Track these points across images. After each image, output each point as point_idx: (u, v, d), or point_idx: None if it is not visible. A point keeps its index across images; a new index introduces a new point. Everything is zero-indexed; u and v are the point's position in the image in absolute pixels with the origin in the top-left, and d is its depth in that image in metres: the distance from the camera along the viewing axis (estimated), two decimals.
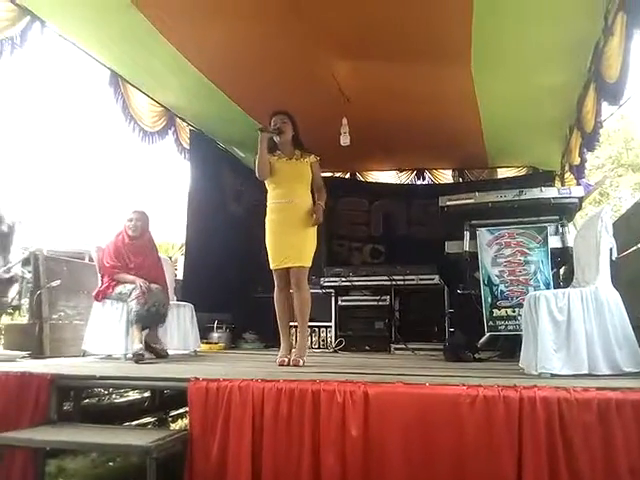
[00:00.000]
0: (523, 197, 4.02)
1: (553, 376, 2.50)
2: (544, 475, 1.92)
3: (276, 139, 3.58)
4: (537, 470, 1.93)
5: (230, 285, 5.73)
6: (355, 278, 5.48)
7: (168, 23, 3.82)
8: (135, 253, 4.05)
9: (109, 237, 4.11)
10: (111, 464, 3.32)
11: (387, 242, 7.08)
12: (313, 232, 3.60)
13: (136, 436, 2.34)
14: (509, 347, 3.88)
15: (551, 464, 1.93)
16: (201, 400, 2.37)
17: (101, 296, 3.92)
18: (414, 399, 2.14)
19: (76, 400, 3.38)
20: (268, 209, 3.63)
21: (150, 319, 3.86)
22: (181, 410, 4.48)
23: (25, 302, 5.16)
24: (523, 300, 3.69)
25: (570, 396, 1.98)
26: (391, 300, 5.33)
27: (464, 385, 2.14)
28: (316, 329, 5.38)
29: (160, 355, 3.96)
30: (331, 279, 5.51)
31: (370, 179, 7.62)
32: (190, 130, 5.70)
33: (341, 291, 5.50)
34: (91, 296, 3.98)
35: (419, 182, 7.27)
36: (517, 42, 3.93)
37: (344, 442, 2.15)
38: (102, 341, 3.85)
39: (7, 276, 4.65)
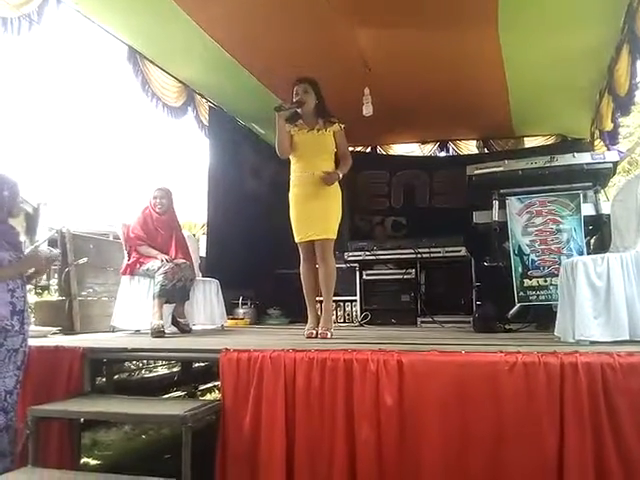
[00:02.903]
0: (555, 163, 3.88)
1: (592, 343, 2.42)
2: (587, 443, 1.87)
3: (299, 110, 3.50)
4: (580, 438, 1.88)
5: (253, 262, 5.71)
6: (380, 252, 5.41)
7: None
8: (163, 227, 4.06)
9: (135, 212, 4.11)
10: (144, 437, 3.37)
11: (408, 214, 6.97)
12: (337, 204, 3.54)
13: (170, 406, 2.35)
14: (540, 318, 3.80)
15: (595, 431, 1.87)
16: (233, 371, 2.36)
17: (129, 271, 3.94)
18: (450, 367, 2.09)
19: (108, 375, 3.44)
20: (291, 182, 3.58)
21: (176, 294, 3.87)
22: (210, 384, 4.53)
23: (53, 282, 5.24)
24: (555, 269, 3.63)
25: (614, 361, 1.92)
26: (417, 273, 5.26)
27: (501, 352, 2.08)
28: (341, 303, 5.35)
29: (184, 330, 3.97)
30: (355, 253, 5.46)
31: (391, 153, 7.50)
32: (209, 107, 5.64)
33: (365, 265, 5.45)
34: (118, 273, 4.00)
35: (442, 154, 7.12)
36: (546, 0, 3.76)
37: (378, 412, 2.12)
38: (131, 316, 3.88)
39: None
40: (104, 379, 3.31)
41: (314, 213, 3.45)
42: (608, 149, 5.37)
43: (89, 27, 4.05)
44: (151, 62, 4.66)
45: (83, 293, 4.02)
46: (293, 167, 3.57)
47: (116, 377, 3.85)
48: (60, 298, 3.97)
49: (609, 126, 5.05)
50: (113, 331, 3.93)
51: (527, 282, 3.81)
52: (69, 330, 3.77)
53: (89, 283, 4.11)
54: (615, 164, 3.93)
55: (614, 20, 3.90)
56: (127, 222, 4.11)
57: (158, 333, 3.54)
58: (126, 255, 4.02)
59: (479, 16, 3.95)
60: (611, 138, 5.24)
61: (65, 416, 2.41)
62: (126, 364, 4.08)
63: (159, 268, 3.81)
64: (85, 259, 4.04)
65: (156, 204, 4.08)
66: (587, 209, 3.77)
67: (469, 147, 7.15)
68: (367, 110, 4.67)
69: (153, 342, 3.19)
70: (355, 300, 5.38)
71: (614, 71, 4.39)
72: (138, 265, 3.93)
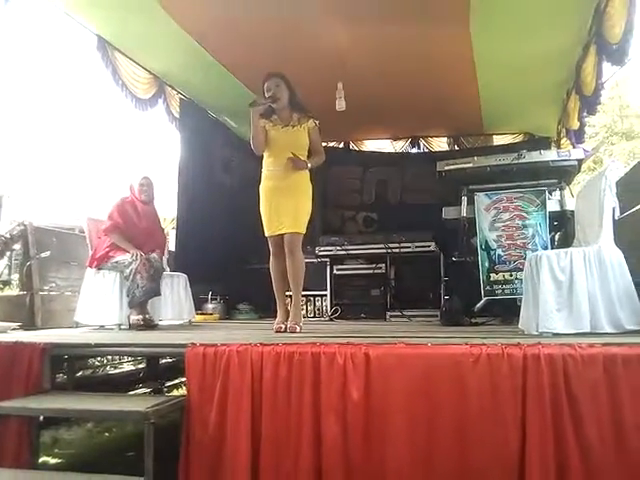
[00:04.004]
0: (522, 160, 3.96)
1: (555, 335, 2.47)
2: (548, 433, 1.90)
3: (274, 105, 3.46)
4: (541, 428, 1.90)
5: (223, 256, 5.66)
6: (350, 247, 5.43)
7: None
8: (145, 217, 4.00)
9: (113, 201, 4.02)
10: (107, 434, 3.29)
11: (380, 210, 7.01)
12: (307, 199, 3.53)
13: (133, 402, 2.30)
14: (505, 312, 3.87)
15: (556, 421, 1.90)
16: (199, 366, 2.31)
17: (96, 263, 3.84)
18: (416, 359, 2.10)
19: (70, 371, 3.34)
20: (263, 176, 3.54)
21: (151, 294, 3.82)
22: (176, 380, 4.46)
23: (15, 277, 5.07)
24: (521, 264, 3.69)
25: (575, 352, 1.95)
26: (386, 268, 5.30)
27: (467, 344, 2.10)
28: (311, 298, 5.35)
29: (150, 325, 3.90)
30: (326, 248, 5.47)
31: (364, 148, 7.51)
32: (180, 99, 5.55)
33: (336, 260, 5.46)
34: (83, 267, 3.90)
35: (414, 150, 7.17)
36: (517, 1, 3.81)
37: (345, 405, 2.11)
38: (95, 312, 3.79)
39: None
40: (66, 376, 3.22)
41: (284, 207, 3.43)
42: (574, 147, 5.49)
43: (57, 13, 3.93)
44: (121, 53, 4.55)
45: (45, 288, 3.90)
46: (265, 161, 3.54)
47: (79, 374, 3.75)
48: (21, 293, 3.84)
49: (575, 125, 5.16)
50: (76, 327, 3.83)
51: (493, 276, 3.87)
52: (30, 326, 3.65)
53: (52, 277, 3.99)
54: (580, 161, 4.02)
55: (582, 21, 3.98)
56: (92, 216, 4.00)
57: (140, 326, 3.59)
58: (91, 248, 3.91)
59: (451, 15, 3.98)
60: (577, 137, 5.35)
61: (23, 413, 2.33)
62: (90, 360, 3.98)
63: (129, 264, 3.73)
64: (48, 253, 3.92)
65: (142, 191, 4.01)
66: (552, 205, 3.86)
67: (440, 144, 7.22)
68: (340, 105, 4.66)
69: (117, 337, 3.12)
70: (325, 295, 5.39)
71: (581, 71, 4.48)
72: (107, 258, 3.83)
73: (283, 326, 3.37)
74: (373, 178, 7.17)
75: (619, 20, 3.35)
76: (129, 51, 4.60)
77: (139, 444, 2.06)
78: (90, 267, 3.87)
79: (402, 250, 5.28)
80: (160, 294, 3.96)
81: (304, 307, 5.16)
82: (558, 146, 6.15)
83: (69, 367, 3.27)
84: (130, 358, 4.40)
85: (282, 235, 3.45)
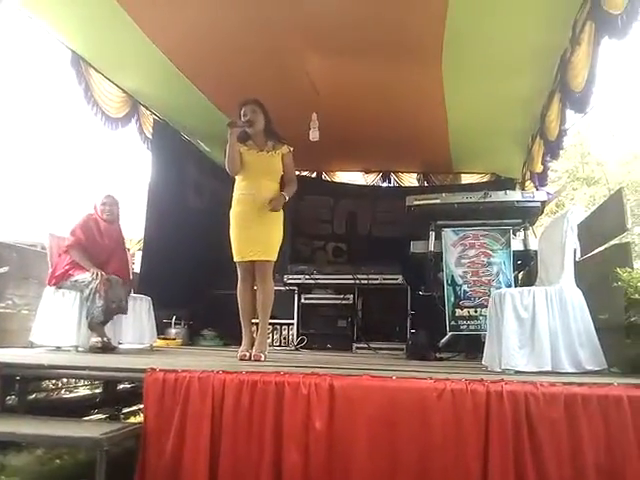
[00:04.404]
0: (488, 199, 4.08)
1: (517, 372, 2.51)
2: (510, 469, 1.91)
3: (249, 130, 3.49)
4: (503, 464, 1.92)
5: (189, 281, 5.56)
6: (319, 276, 5.43)
7: (136, 4, 3.68)
8: (108, 236, 3.92)
9: (77, 218, 3.93)
10: (58, 461, 3.12)
11: (350, 241, 7.07)
12: (279, 226, 3.52)
13: (86, 428, 2.20)
14: (470, 347, 3.91)
15: (517, 458, 1.92)
16: (157, 392, 2.25)
17: (54, 281, 3.73)
18: (380, 392, 2.09)
19: (21, 393, 3.17)
20: (234, 200, 3.53)
21: (110, 316, 3.72)
22: (135, 407, 4.30)
23: None
24: (485, 300, 3.76)
25: (537, 391, 1.98)
26: (354, 299, 5.32)
27: (431, 379, 2.12)
28: (278, 326, 5.31)
29: (108, 348, 3.78)
30: (294, 276, 5.45)
31: (336, 179, 7.61)
32: (154, 119, 5.52)
33: (304, 289, 5.45)
34: (42, 284, 3.77)
35: (384, 184, 7.30)
36: (487, 47, 3.97)
37: (307, 436, 2.08)
38: (51, 332, 3.66)
39: None
40: (17, 398, 3.06)
41: (255, 234, 3.41)
42: (537, 190, 5.69)
43: (32, 26, 3.88)
44: (95, 70, 4.52)
45: (1, 305, 3.74)
46: (237, 185, 3.53)
47: (32, 397, 3.57)
48: None
49: (539, 168, 5.36)
50: (31, 347, 3.68)
51: (459, 312, 3.93)
52: None
53: (9, 294, 3.84)
54: (543, 203, 4.17)
55: (548, 69, 4.17)
56: (55, 232, 3.90)
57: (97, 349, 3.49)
58: (51, 265, 3.80)
59: (426, 53, 4.12)
60: (540, 180, 5.55)
61: None
62: (44, 383, 3.81)
63: (89, 283, 3.64)
64: (6, 268, 3.77)
65: (104, 210, 3.93)
66: (516, 244, 3.97)
67: (410, 179, 7.36)
68: (314, 135, 4.72)
69: (73, 359, 3.01)
70: (292, 323, 5.35)
71: (545, 117, 4.67)
72: (66, 276, 3.73)
73: (247, 354, 3.31)
74: (344, 209, 7.24)
75: (582, 70, 3.52)
76: (103, 69, 4.58)
77: (91, 473, 1.97)
78: (49, 285, 3.75)
79: (370, 282, 5.31)
80: (125, 312, 3.87)
81: (270, 335, 5.10)
82: (523, 188, 6.36)
83: (21, 389, 3.11)
84: (86, 382, 4.23)
85: (252, 262, 3.43)
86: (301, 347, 5.20)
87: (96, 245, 3.86)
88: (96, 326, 3.66)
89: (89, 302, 3.64)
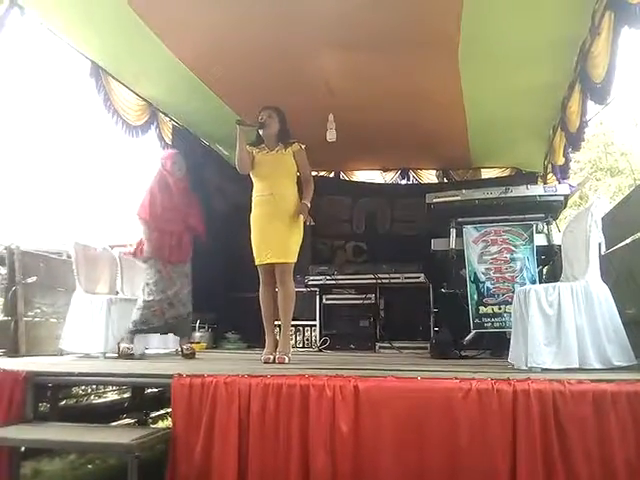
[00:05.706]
0: (509, 194, 4.03)
1: (544, 370, 2.48)
2: (538, 469, 1.89)
3: (260, 132, 3.52)
4: (531, 464, 1.89)
5: (213, 284, 5.61)
6: (340, 276, 5.43)
7: (153, 13, 3.72)
8: (183, 195, 4.01)
9: (142, 188, 4.03)
10: (90, 466, 3.20)
11: (369, 240, 7.03)
12: (298, 227, 3.53)
13: (117, 434, 2.24)
14: (494, 345, 3.87)
15: (545, 458, 1.90)
16: (185, 397, 2.28)
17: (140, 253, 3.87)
18: (406, 393, 2.09)
19: (53, 400, 3.26)
20: (253, 203, 3.57)
21: (156, 331, 3.83)
22: (162, 411, 4.37)
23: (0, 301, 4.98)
24: (509, 297, 3.72)
25: (564, 389, 1.96)
26: (376, 298, 5.30)
27: (456, 379, 2.10)
28: (300, 328, 5.32)
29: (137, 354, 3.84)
30: (316, 277, 5.46)
31: (354, 179, 7.59)
32: (173, 126, 5.59)
33: (326, 289, 5.46)
34: (69, 293, 3.86)
35: (403, 182, 7.26)
36: (505, 38, 3.91)
37: (334, 439, 2.09)
38: (80, 339, 3.73)
39: None
40: (48, 405, 3.14)
41: (274, 236, 3.44)
42: (559, 182, 5.59)
43: (52, 39, 3.96)
44: (114, 78, 4.60)
45: (30, 313, 3.83)
46: (255, 187, 3.57)
47: (62, 403, 3.66)
48: (5, 318, 3.77)
49: (561, 160, 5.27)
50: (61, 354, 3.76)
51: (482, 309, 3.88)
52: (13, 352, 3.57)
53: (37, 303, 3.93)
54: (566, 197, 4.10)
55: (568, 59, 4.09)
56: (80, 241, 3.98)
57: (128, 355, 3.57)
58: (77, 273, 3.87)
59: (442, 48, 4.07)
60: (562, 172, 5.45)
61: (4, 444, 2.27)
62: (74, 389, 3.89)
63: (155, 303, 3.74)
64: (34, 278, 3.87)
65: (176, 168, 4.03)
66: (539, 239, 3.91)
67: (429, 176, 7.30)
68: (331, 136, 4.73)
69: (102, 366, 3.07)
70: (315, 325, 5.36)
71: (566, 108, 4.59)
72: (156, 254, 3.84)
73: (271, 357, 3.33)
74: (363, 208, 7.22)
75: (602, 60, 3.45)
76: (123, 78, 4.65)
77: (123, 477, 2.01)
78: (134, 256, 3.89)
79: (391, 281, 5.29)
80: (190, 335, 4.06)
81: (293, 337, 5.13)
82: (545, 181, 6.26)
83: (52, 396, 3.20)
84: (115, 387, 4.31)
85: (272, 264, 3.45)
86: (324, 348, 5.21)
87: (173, 202, 3.93)
88: (132, 334, 3.73)
89: (142, 309, 3.72)
